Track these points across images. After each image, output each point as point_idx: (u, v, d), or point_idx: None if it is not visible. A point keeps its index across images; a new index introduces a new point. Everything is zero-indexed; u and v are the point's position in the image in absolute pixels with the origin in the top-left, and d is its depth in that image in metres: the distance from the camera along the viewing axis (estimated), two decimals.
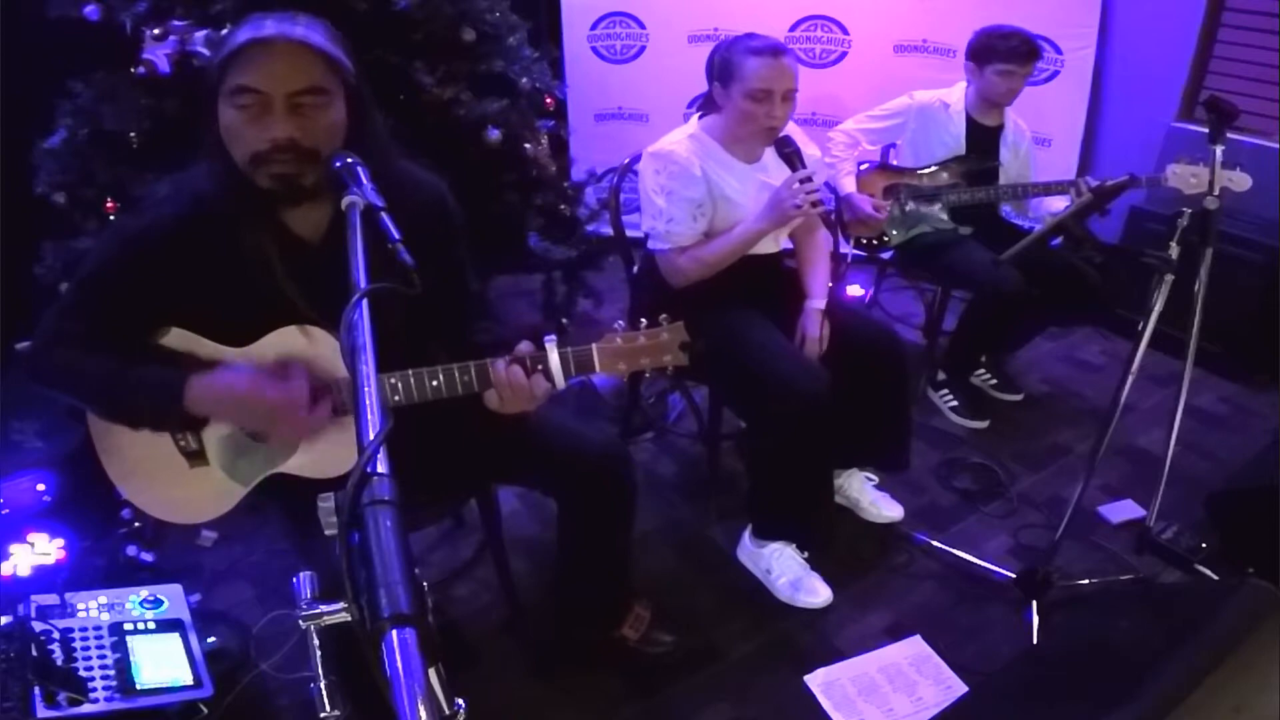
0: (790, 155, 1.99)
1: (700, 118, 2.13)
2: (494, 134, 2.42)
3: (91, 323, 1.38)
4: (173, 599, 1.81)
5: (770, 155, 2.15)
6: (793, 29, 3.69)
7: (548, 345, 1.38)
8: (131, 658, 1.62)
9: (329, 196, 1.30)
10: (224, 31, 2.06)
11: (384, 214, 1.08)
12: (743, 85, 1.96)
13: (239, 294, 1.38)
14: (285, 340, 1.40)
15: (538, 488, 1.82)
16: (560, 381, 1.40)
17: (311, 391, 1.34)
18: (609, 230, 2.49)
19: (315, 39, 1.27)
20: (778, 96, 1.97)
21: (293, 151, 1.26)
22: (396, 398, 1.37)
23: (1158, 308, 1.79)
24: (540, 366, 1.39)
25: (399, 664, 0.57)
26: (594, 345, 1.41)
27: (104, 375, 1.36)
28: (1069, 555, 2.21)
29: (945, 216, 2.76)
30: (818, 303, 2.15)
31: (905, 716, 1.82)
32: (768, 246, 2.18)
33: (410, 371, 1.37)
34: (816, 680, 1.89)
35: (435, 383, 1.38)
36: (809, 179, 1.93)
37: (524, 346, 1.40)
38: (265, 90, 1.24)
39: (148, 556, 2.02)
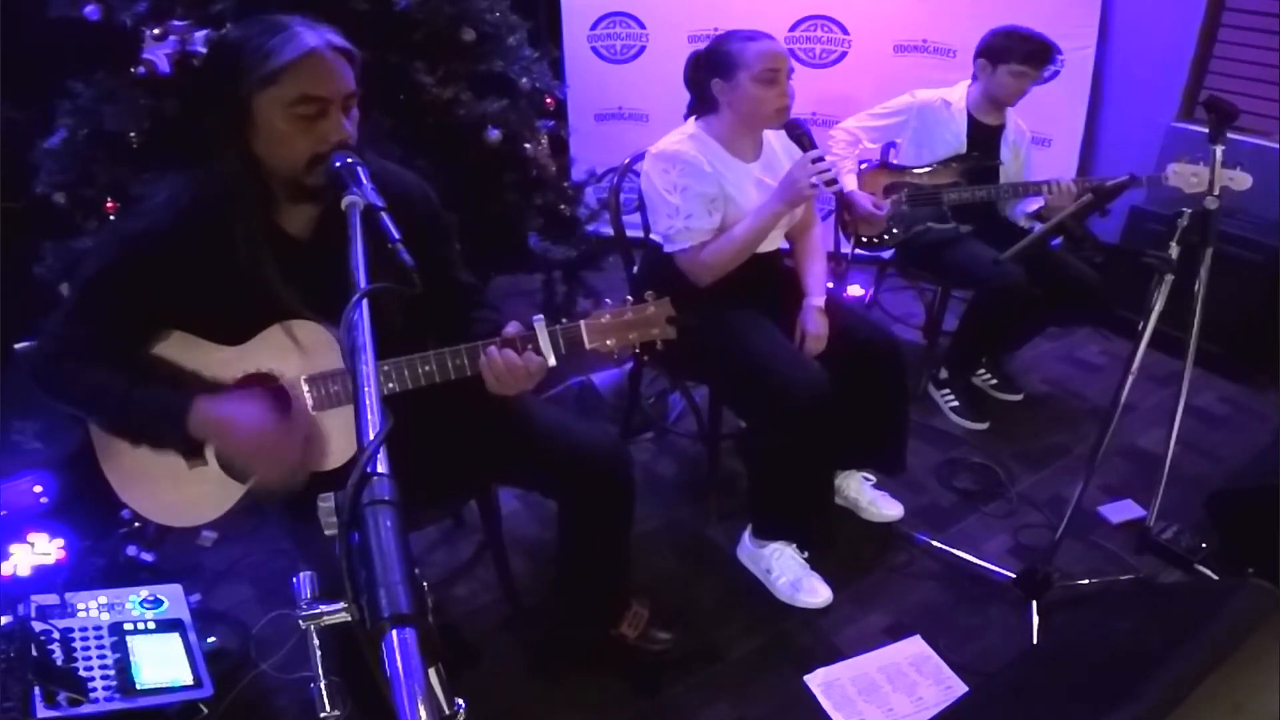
0: (801, 137, 2.00)
1: (697, 120, 2.13)
2: (494, 134, 2.42)
3: (93, 328, 1.39)
4: (173, 599, 1.81)
5: (769, 151, 2.15)
6: (793, 29, 3.69)
7: (536, 325, 1.41)
8: (131, 658, 1.62)
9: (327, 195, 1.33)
10: (225, 34, 2.06)
11: (384, 214, 1.09)
12: (750, 71, 1.97)
13: (235, 293, 1.39)
14: (276, 337, 1.42)
15: (537, 488, 1.82)
16: (551, 359, 1.42)
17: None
18: (609, 230, 2.49)
19: (348, 44, 1.34)
20: (784, 75, 1.99)
21: (347, 149, 1.30)
22: (391, 384, 1.39)
23: (1158, 308, 1.79)
24: (531, 346, 1.41)
25: (399, 664, 0.57)
26: (581, 322, 1.44)
27: (110, 394, 1.37)
28: (1069, 555, 2.21)
29: (948, 213, 2.76)
30: (817, 300, 2.16)
31: (905, 716, 1.82)
32: (767, 245, 2.18)
33: (403, 358, 1.39)
34: (816, 680, 1.89)
35: (428, 368, 1.40)
36: (821, 158, 1.93)
37: (513, 327, 1.43)
38: (328, 96, 1.30)
39: (148, 556, 2.02)
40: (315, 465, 1.42)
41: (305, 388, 1.42)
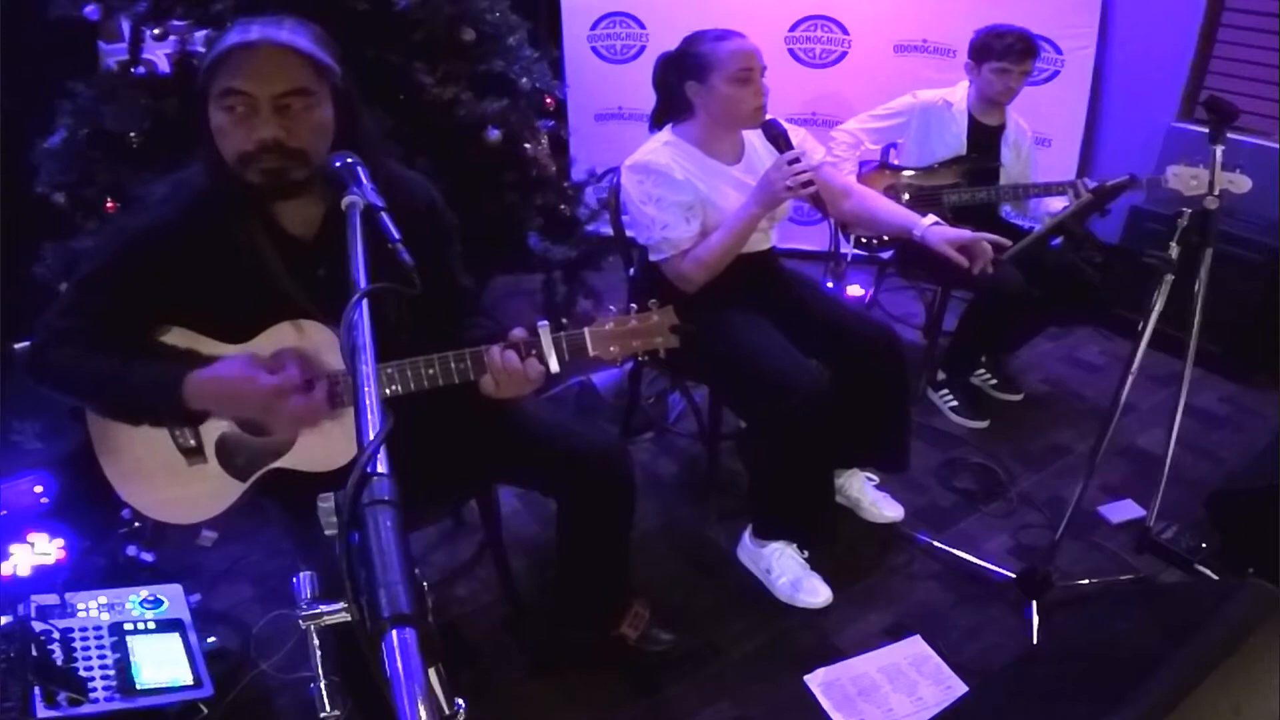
0: (777, 138, 1.99)
1: (673, 127, 2.13)
2: (494, 134, 2.42)
3: (91, 322, 1.39)
4: (173, 599, 1.81)
5: (750, 151, 2.15)
6: (793, 29, 3.68)
7: (541, 330, 1.41)
8: (131, 658, 1.62)
9: (322, 194, 1.35)
10: (212, 35, 2.07)
11: (384, 214, 1.09)
12: (723, 71, 1.97)
13: (236, 291, 1.39)
14: (281, 336, 1.42)
15: (537, 487, 1.82)
16: (554, 365, 1.42)
17: (304, 377, 1.35)
18: (609, 230, 2.49)
19: (300, 42, 1.30)
20: (758, 73, 1.98)
21: (278, 151, 1.29)
22: (393, 387, 1.39)
23: (1158, 308, 1.79)
24: (534, 351, 1.41)
25: (399, 664, 0.57)
26: (586, 329, 1.43)
27: (103, 373, 1.37)
28: (1069, 555, 2.21)
29: (949, 215, 2.76)
30: (928, 219, 2.15)
31: (905, 716, 1.82)
32: (761, 243, 2.18)
33: (406, 361, 1.39)
34: (816, 680, 1.89)
35: (431, 371, 1.40)
36: (798, 159, 1.92)
37: (518, 332, 1.42)
38: (251, 92, 1.28)
39: (148, 556, 2.01)
40: (316, 467, 1.42)
41: None
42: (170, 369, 1.36)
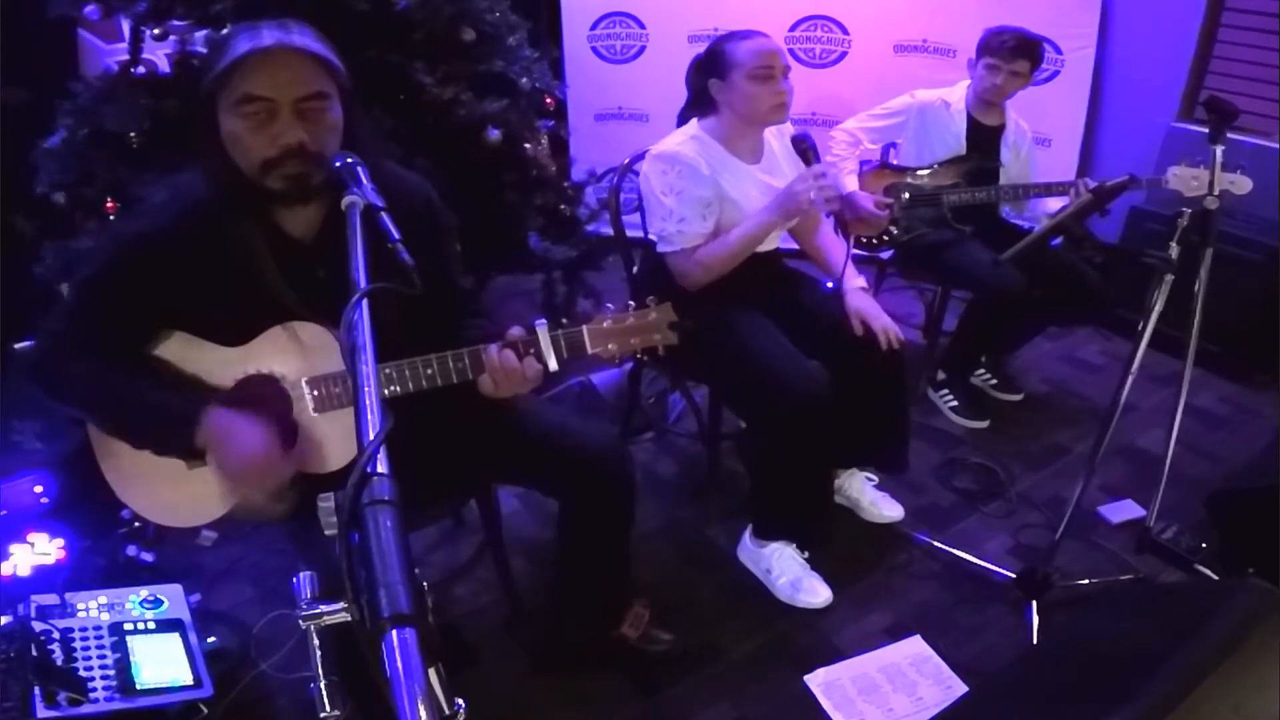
0: (806, 151, 2.01)
1: (700, 121, 2.14)
2: (494, 134, 2.42)
3: (93, 328, 1.39)
4: (173, 599, 1.81)
5: (770, 154, 2.16)
6: (793, 29, 3.69)
7: (539, 329, 1.41)
8: (131, 658, 1.62)
9: (324, 196, 1.33)
10: (212, 35, 2.07)
11: (384, 214, 1.09)
12: (744, 69, 1.99)
13: (235, 294, 1.39)
14: (278, 338, 1.42)
15: (537, 487, 1.82)
16: (552, 363, 1.42)
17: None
18: (609, 230, 2.49)
19: (313, 45, 1.30)
20: (778, 72, 2.00)
21: (302, 155, 1.29)
22: (393, 387, 1.39)
23: (1158, 308, 1.79)
24: (532, 350, 1.41)
25: (399, 664, 0.57)
26: (584, 327, 1.43)
27: (113, 397, 1.37)
28: (1069, 555, 2.21)
29: (948, 216, 2.76)
30: (858, 281, 2.17)
31: (905, 716, 1.82)
32: (768, 243, 2.19)
33: (405, 361, 1.39)
34: (816, 680, 1.89)
35: (430, 371, 1.40)
36: (824, 174, 1.94)
37: (515, 331, 1.42)
38: (272, 98, 1.27)
39: (148, 556, 2.01)
40: (316, 468, 1.42)
41: (307, 389, 1.42)
42: (184, 406, 1.36)
